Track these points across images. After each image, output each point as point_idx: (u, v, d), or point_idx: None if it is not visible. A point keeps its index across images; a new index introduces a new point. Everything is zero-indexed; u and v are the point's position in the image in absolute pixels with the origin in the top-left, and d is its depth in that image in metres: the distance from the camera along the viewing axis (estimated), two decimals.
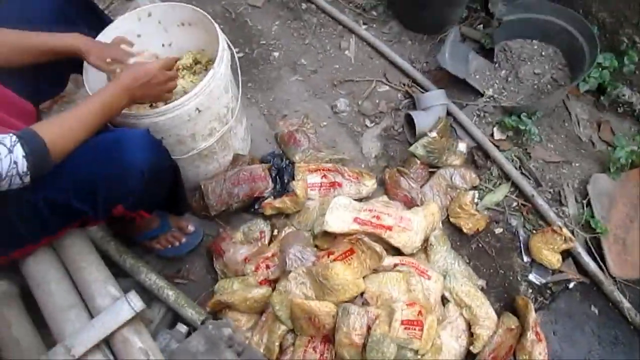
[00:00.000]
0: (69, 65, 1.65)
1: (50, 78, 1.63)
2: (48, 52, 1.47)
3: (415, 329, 1.58)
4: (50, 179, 1.25)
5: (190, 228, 1.93)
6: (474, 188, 2.13)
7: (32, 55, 1.46)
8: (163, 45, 1.98)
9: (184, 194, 1.83)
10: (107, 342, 1.40)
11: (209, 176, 2.04)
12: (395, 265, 1.77)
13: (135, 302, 1.41)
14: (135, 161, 1.34)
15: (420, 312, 1.61)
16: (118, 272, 1.76)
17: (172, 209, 1.85)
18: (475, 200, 2.08)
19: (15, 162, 1.12)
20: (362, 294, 1.70)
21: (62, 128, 1.25)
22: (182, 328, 1.74)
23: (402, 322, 1.57)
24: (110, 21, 1.81)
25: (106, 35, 1.74)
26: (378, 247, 1.69)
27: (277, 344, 1.70)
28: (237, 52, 2.51)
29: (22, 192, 1.20)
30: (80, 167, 1.30)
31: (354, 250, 1.71)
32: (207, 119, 1.79)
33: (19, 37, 1.44)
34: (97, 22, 1.76)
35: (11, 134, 1.14)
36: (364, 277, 1.72)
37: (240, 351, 1.52)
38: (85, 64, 1.64)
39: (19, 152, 1.13)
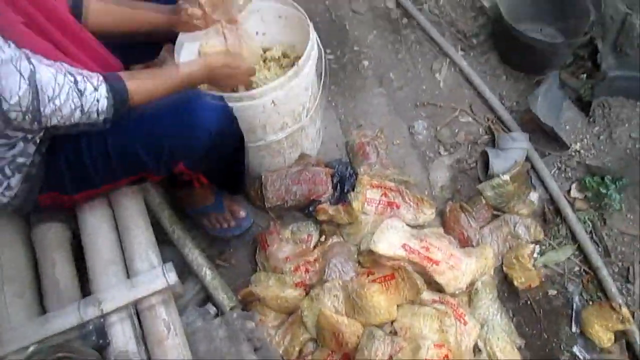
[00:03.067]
0: (164, 37, 1.71)
1: (144, 46, 1.70)
2: (148, 27, 1.56)
3: None
4: (123, 124, 1.31)
5: (242, 213, 1.96)
6: (537, 242, 2.02)
7: (132, 29, 1.56)
8: (257, 33, 2.02)
9: (243, 173, 1.84)
10: (135, 305, 1.45)
11: (271, 169, 2.05)
12: (434, 301, 1.71)
13: (170, 275, 1.44)
14: (205, 119, 1.38)
15: (447, 356, 1.55)
16: (165, 240, 1.81)
17: (229, 185, 1.87)
18: (535, 254, 1.97)
19: (98, 100, 1.21)
20: (392, 322, 1.65)
21: (144, 82, 1.34)
22: (211, 309, 1.75)
23: None
24: None
25: None
26: (419, 280, 1.64)
27: (297, 348, 1.69)
28: (328, 54, 2.52)
29: (97, 134, 1.28)
30: (152, 118, 1.35)
31: (395, 276, 1.67)
32: (282, 113, 1.80)
33: (122, 12, 1.53)
34: None
35: (98, 74, 1.23)
36: (398, 306, 1.67)
37: (259, 347, 1.53)
38: (179, 35, 1.71)
39: (103, 91, 1.22)
